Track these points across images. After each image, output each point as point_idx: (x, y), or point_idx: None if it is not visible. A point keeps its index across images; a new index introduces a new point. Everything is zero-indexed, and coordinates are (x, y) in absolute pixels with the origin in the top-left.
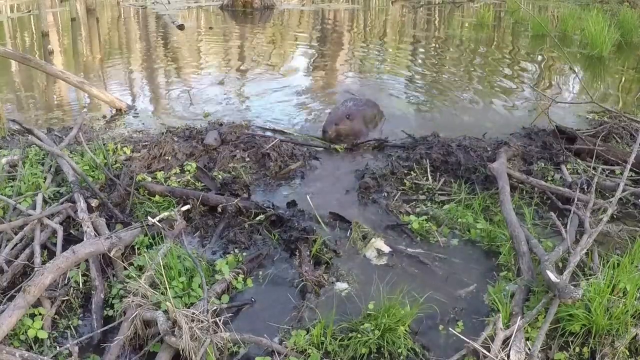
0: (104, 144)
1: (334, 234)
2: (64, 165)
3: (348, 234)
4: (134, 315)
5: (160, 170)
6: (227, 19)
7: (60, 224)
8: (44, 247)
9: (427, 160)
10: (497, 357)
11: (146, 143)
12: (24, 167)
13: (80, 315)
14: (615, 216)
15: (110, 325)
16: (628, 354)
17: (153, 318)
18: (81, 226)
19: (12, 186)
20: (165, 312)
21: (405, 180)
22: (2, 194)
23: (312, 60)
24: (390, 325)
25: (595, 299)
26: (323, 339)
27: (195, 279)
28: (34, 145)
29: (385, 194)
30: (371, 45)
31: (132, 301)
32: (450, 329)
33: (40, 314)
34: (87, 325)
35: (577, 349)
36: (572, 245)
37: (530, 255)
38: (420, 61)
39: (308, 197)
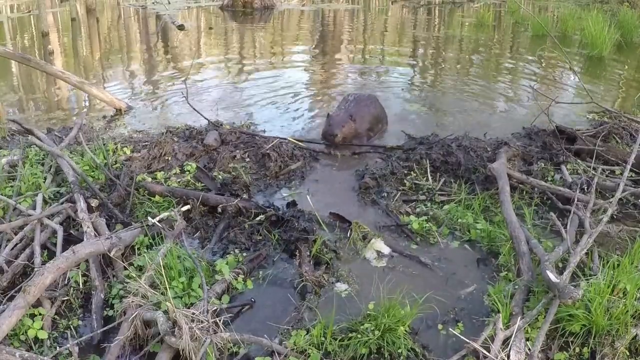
0: (104, 144)
1: (334, 234)
2: (64, 166)
3: (348, 235)
4: (134, 315)
5: (160, 171)
6: (227, 19)
7: (60, 224)
8: (44, 247)
9: (427, 161)
10: (497, 357)
11: (146, 143)
12: (24, 167)
13: (80, 315)
14: (615, 216)
15: (110, 325)
16: (628, 354)
17: (153, 318)
18: (81, 226)
19: (12, 186)
20: (165, 312)
21: (405, 181)
22: (2, 194)
23: (312, 60)
24: (391, 326)
25: (595, 299)
26: (323, 339)
27: (195, 279)
28: (34, 146)
29: (385, 194)
30: (371, 46)
31: (132, 301)
32: (450, 329)
33: (40, 314)
34: (87, 325)
35: (577, 349)
36: (572, 246)
37: (530, 255)
38: (420, 61)
39: (308, 197)
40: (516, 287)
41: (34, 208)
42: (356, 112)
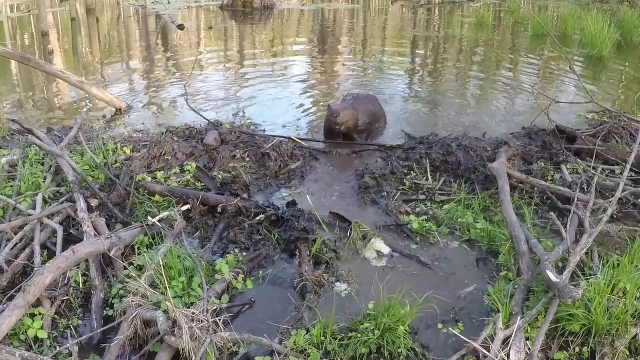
0: (104, 144)
1: (334, 234)
2: (64, 165)
3: (348, 234)
4: (134, 315)
5: (160, 170)
6: (227, 19)
7: (60, 224)
8: (44, 247)
9: (427, 160)
10: (497, 357)
11: (146, 143)
12: (24, 167)
13: (80, 315)
14: (615, 216)
15: (110, 325)
16: (628, 354)
17: (153, 318)
18: (81, 226)
19: (12, 186)
20: (165, 312)
21: (405, 180)
22: (2, 194)
23: (312, 60)
24: (390, 325)
25: (595, 299)
26: (323, 338)
27: (195, 279)
28: (34, 145)
29: (385, 194)
30: (371, 46)
31: (132, 301)
32: (450, 329)
33: (40, 314)
34: (87, 325)
35: (577, 349)
36: (572, 245)
37: (530, 255)
38: (420, 61)
39: (308, 197)
40: (516, 286)
41: (34, 208)
42: (357, 106)
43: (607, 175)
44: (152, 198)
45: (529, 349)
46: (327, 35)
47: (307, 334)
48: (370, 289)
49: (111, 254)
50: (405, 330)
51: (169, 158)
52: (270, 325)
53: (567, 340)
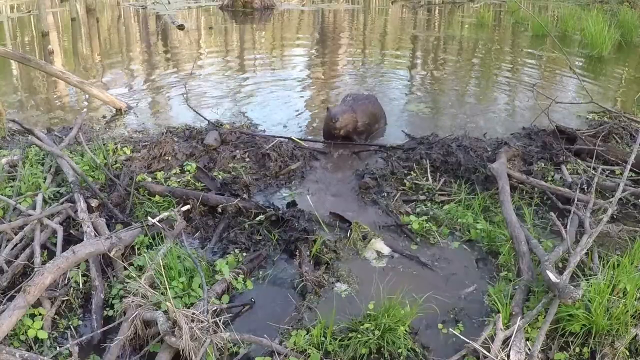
0: (104, 144)
1: (334, 234)
2: (64, 166)
3: (348, 235)
4: (134, 315)
5: (160, 171)
6: (227, 19)
7: (60, 224)
8: (44, 247)
9: (427, 161)
10: (497, 357)
11: (146, 143)
12: (24, 167)
13: (80, 315)
14: (615, 216)
15: (110, 326)
16: (628, 354)
17: (153, 318)
18: (81, 226)
19: (12, 186)
20: (165, 312)
21: (405, 181)
22: (2, 194)
23: (312, 60)
24: (391, 326)
25: (595, 299)
26: (323, 339)
27: (195, 279)
28: (34, 145)
29: (385, 194)
30: (371, 46)
31: (132, 301)
32: (450, 329)
33: (40, 314)
34: (87, 325)
35: (577, 349)
36: (572, 246)
37: (530, 255)
38: (420, 61)
39: (308, 197)
40: (516, 287)
41: (34, 208)
42: (356, 107)
43: (607, 176)
44: (152, 198)
45: (529, 349)
46: (327, 35)
47: (307, 334)
48: (370, 289)
49: (111, 254)
50: (406, 330)
51: (169, 158)
52: (270, 325)
53: (567, 340)
